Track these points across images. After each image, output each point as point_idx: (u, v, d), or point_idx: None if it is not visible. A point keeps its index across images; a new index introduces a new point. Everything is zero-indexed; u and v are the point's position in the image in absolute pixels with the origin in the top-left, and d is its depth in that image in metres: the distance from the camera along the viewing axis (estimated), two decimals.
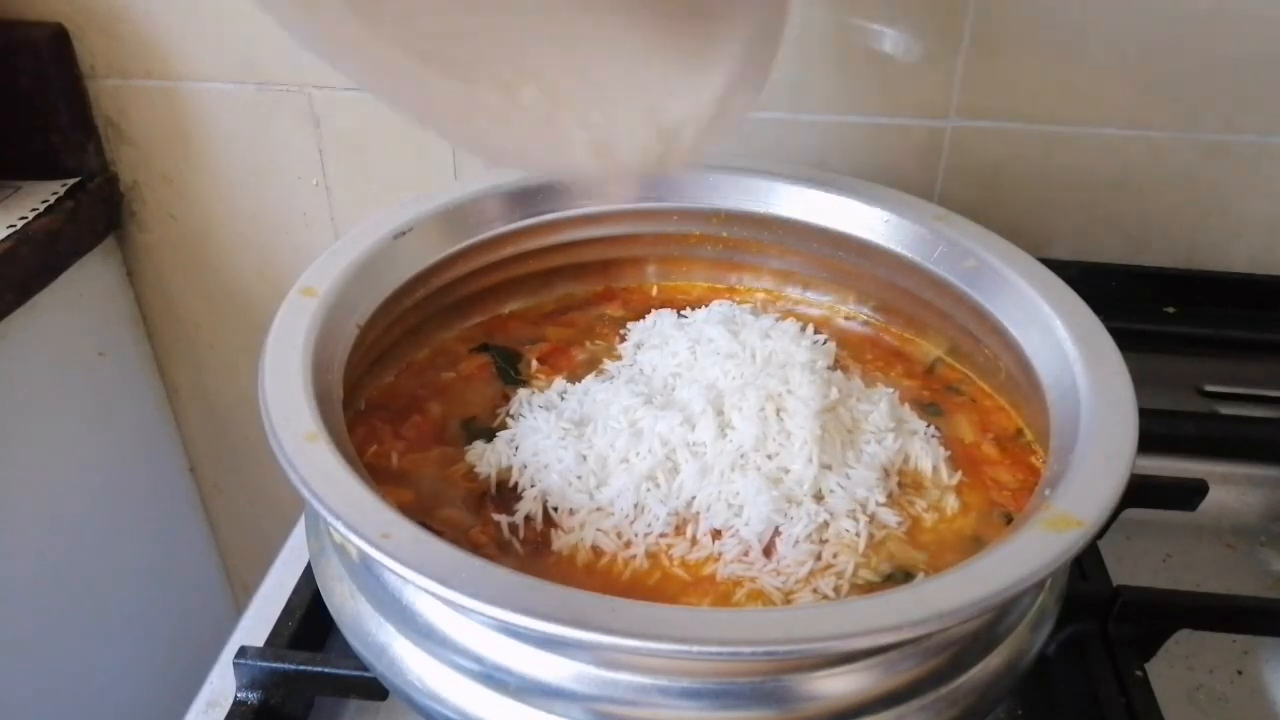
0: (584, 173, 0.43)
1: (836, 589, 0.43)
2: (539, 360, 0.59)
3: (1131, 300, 0.74)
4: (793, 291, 0.65)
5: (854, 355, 0.60)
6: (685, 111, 0.37)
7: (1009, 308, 0.52)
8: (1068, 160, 0.73)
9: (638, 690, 0.37)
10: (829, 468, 0.48)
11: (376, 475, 0.47)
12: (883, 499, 0.47)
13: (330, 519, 0.37)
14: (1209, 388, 0.74)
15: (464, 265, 0.58)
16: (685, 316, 0.59)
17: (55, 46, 0.74)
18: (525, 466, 0.49)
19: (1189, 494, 0.60)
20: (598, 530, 0.46)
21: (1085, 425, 0.43)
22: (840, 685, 0.38)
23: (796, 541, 0.45)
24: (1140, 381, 0.45)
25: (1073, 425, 0.44)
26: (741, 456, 0.48)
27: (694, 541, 0.46)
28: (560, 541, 0.46)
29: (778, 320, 0.57)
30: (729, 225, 0.62)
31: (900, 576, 0.45)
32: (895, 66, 0.70)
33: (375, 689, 0.47)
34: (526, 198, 0.59)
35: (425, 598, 0.40)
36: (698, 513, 0.46)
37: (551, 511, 0.47)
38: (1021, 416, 0.55)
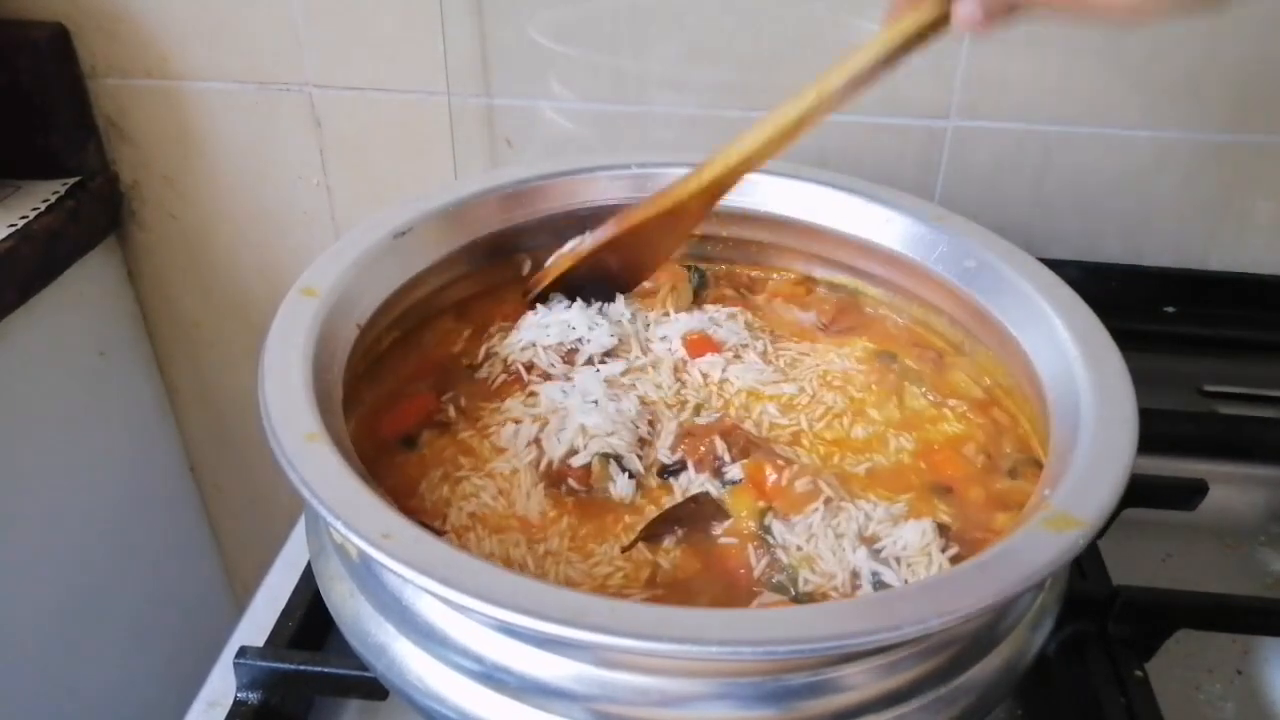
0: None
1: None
2: None
3: (1131, 300, 0.74)
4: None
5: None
6: None
7: (1009, 308, 0.52)
8: (1068, 160, 0.73)
9: (638, 690, 0.37)
10: None
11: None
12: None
13: (330, 519, 0.37)
14: (1209, 388, 0.74)
15: (464, 265, 0.58)
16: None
17: (56, 46, 0.74)
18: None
19: (1189, 494, 0.60)
20: None
21: (1085, 425, 0.43)
22: (840, 685, 0.38)
23: None
24: (1140, 381, 0.45)
25: (1073, 425, 0.44)
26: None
27: None
28: None
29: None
30: (728, 225, 0.62)
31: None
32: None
33: (375, 689, 0.47)
34: (526, 197, 0.59)
35: (425, 598, 0.40)
36: None
37: None
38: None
